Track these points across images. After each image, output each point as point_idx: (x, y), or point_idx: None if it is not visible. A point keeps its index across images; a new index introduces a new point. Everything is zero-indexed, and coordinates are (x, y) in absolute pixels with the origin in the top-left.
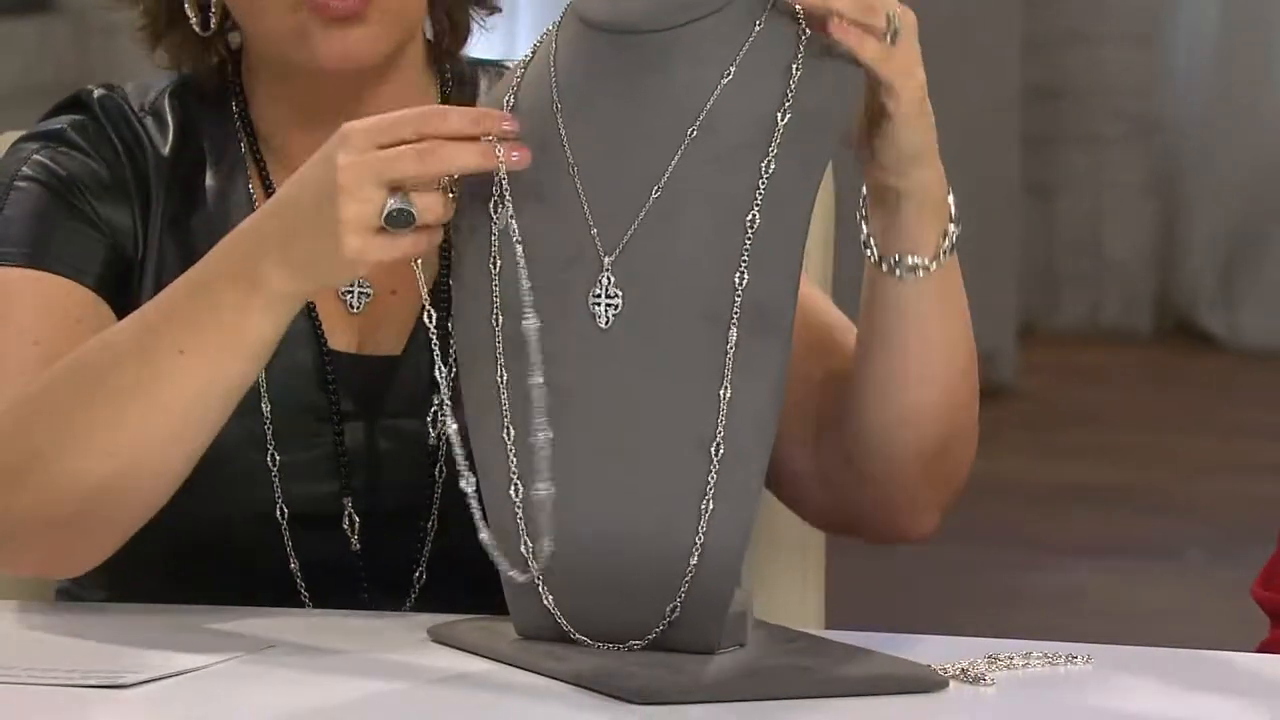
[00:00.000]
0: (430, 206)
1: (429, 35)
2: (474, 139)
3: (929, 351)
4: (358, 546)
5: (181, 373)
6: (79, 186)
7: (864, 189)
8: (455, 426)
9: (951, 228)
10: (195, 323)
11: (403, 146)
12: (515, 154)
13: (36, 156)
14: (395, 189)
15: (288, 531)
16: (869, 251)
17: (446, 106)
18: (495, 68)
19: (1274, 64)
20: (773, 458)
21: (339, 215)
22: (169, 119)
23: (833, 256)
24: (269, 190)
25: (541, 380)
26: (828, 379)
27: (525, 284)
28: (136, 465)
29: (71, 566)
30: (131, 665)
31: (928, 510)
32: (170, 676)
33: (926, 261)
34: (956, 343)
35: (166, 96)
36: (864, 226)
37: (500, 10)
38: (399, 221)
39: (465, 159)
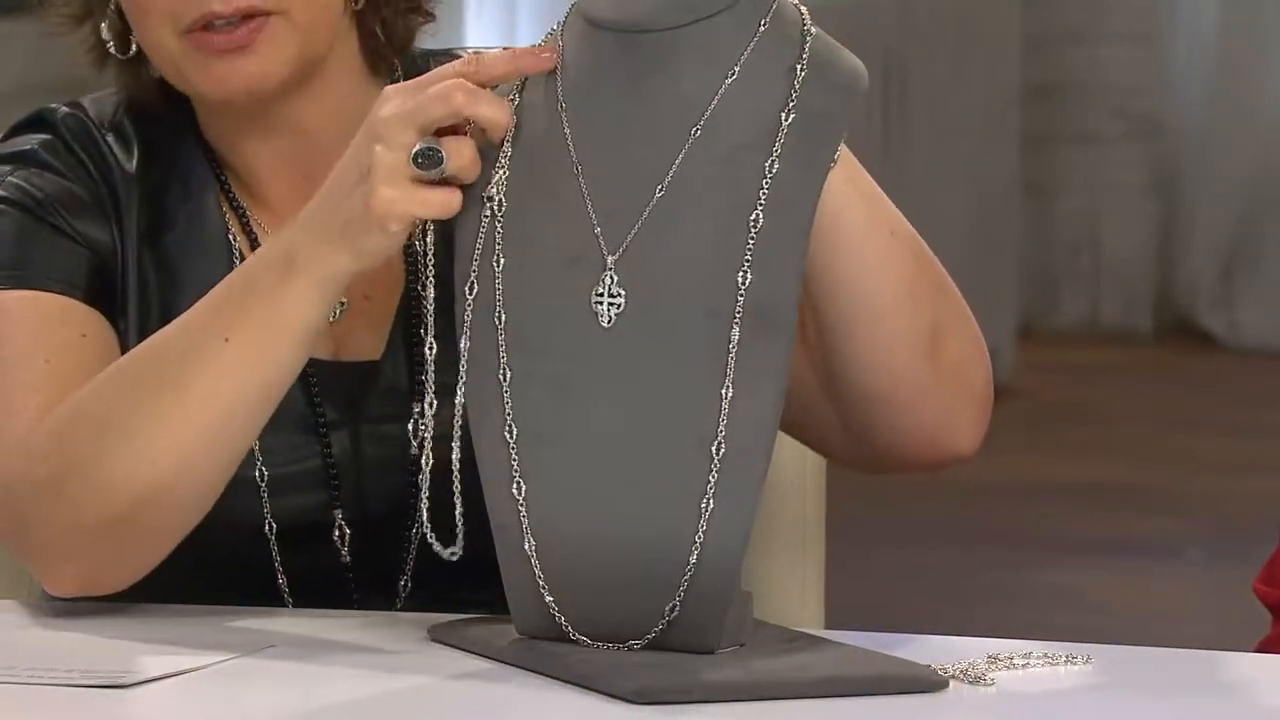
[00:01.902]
0: (459, 149)
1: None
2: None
3: (866, 236)
4: (347, 557)
5: (227, 361)
6: (56, 206)
7: None
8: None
9: None
10: (238, 309)
11: (428, 90)
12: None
13: (11, 179)
14: (425, 135)
15: (275, 544)
16: None
17: (482, 53)
18: (447, 57)
19: (1274, 64)
20: (804, 421)
21: (373, 163)
22: (131, 135)
23: None
24: (233, 203)
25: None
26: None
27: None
28: (178, 470)
29: (112, 581)
30: (131, 665)
31: (959, 418)
32: (170, 676)
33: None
34: (890, 221)
35: (124, 111)
36: None
37: (434, 18)
38: (428, 162)
39: (489, 107)
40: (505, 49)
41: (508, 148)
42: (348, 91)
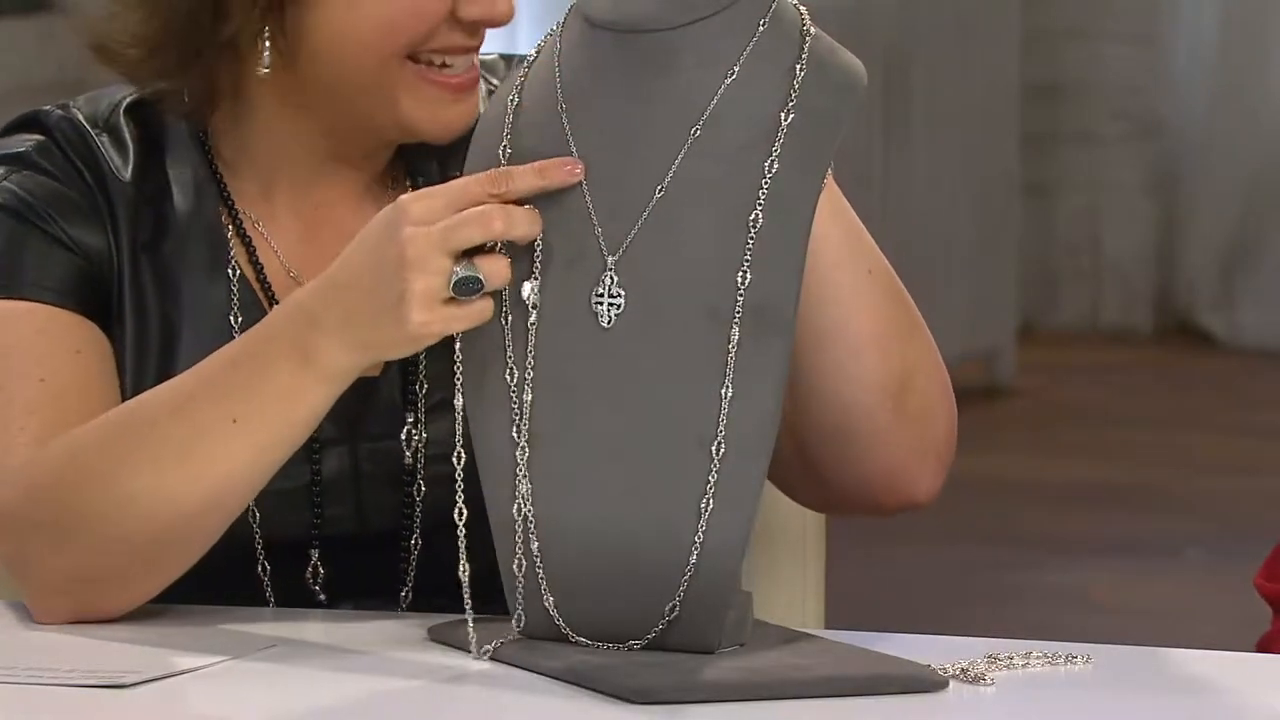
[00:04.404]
0: (497, 271)
1: None
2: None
3: (842, 269)
4: (320, 586)
5: (233, 442)
6: (49, 211)
7: None
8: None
9: None
10: (247, 394)
11: (463, 213)
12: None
13: (4, 184)
14: (459, 258)
15: (265, 562)
16: None
17: (510, 168)
18: None
19: (1274, 64)
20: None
21: (407, 289)
22: (127, 138)
23: None
24: (234, 215)
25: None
26: None
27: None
28: (179, 528)
29: (103, 615)
30: (131, 665)
31: (919, 465)
32: (170, 676)
33: None
34: (869, 258)
35: (121, 112)
36: None
37: None
38: (467, 289)
39: (524, 227)
40: (531, 163)
41: (538, 250)
42: None
